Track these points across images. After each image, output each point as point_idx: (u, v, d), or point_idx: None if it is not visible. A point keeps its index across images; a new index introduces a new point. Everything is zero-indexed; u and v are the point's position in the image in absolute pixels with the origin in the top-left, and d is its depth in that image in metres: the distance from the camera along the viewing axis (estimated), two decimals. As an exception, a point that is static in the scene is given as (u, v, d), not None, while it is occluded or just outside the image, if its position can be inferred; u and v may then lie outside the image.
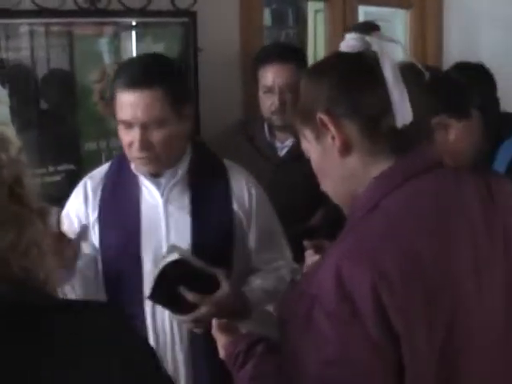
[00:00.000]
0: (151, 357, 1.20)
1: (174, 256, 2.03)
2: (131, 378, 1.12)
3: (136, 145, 2.06)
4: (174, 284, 2.01)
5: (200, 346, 2.12)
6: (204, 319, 1.99)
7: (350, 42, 1.41)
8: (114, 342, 1.14)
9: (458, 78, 2.33)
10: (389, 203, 1.34)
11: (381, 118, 1.35)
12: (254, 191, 2.25)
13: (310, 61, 3.48)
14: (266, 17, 5.38)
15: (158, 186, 2.18)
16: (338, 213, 1.51)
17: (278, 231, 2.34)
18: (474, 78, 2.47)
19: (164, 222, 2.17)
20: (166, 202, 2.18)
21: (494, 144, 2.34)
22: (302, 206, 2.92)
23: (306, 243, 1.79)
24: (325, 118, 1.37)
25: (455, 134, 2.11)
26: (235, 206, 2.20)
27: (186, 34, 3.01)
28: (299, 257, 1.93)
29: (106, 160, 2.85)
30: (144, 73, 2.06)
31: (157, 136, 2.06)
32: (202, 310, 2.01)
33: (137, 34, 2.93)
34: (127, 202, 2.20)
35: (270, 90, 2.92)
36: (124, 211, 2.20)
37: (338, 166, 1.40)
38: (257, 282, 2.23)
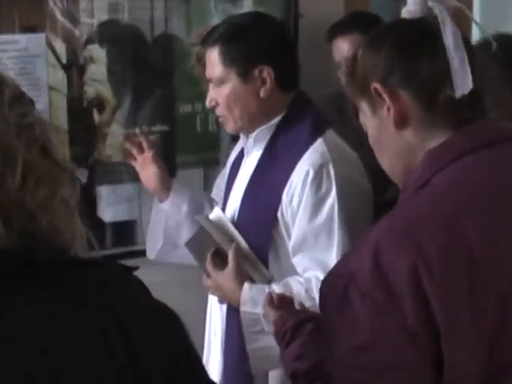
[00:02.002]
0: (152, 314, 1.21)
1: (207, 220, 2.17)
2: (129, 336, 1.14)
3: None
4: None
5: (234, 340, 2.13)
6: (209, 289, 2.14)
7: (411, 7, 1.35)
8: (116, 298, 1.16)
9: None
10: (439, 180, 1.28)
11: (439, 88, 1.30)
12: (310, 183, 2.00)
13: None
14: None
15: (244, 145, 2.22)
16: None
17: (330, 235, 2.01)
18: None
19: (234, 183, 2.22)
20: (244, 164, 2.21)
21: None
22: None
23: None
24: (380, 87, 1.33)
25: None
26: (284, 193, 2.05)
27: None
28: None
29: (201, 123, 2.88)
30: (211, 31, 2.14)
31: (218, 94, 2.11)
32: (206, 282, 2.13)
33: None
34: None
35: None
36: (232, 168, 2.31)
37: (394, 139, 1.36)
38: (274, 288, 2.03)
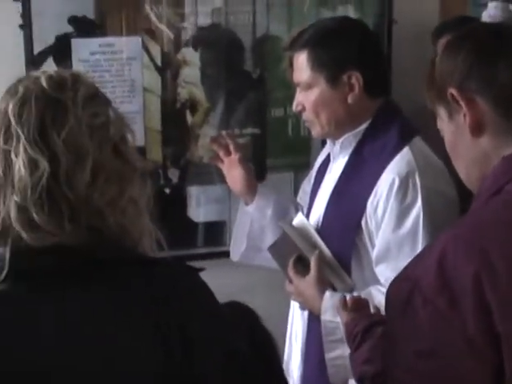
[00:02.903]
0: (214, 318, 1.26)
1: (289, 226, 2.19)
2: (188, 337, 1.19)
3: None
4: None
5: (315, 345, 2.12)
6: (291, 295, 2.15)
7: (491, 12, 1.34)
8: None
9: None
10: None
11: None
12: (395, 192, 1.99)
13: None
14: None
15: (331, 151, 2.22)
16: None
17: (414, 245, 1.97)
18: None
19: (319, 189, 2.22)
20: (330, 170, 2.21)
21: None
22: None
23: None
24: (456, 93, 1.31)
25: None
26: (369, 201, 2.04)
27: (381, 5, 2.93)
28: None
29: (292, 127, 2.90)
30: (299, 35, 2.14)
31: (305, 99, 2.12)
32: (289, 287, 2.14)
33: (333, 2, 2.88)
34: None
35: None
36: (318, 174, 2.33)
37: (470, 146, 1.34)
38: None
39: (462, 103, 1.31)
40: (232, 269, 2.64)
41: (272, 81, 2.88)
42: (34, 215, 1.16)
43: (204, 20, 2.74)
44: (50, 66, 2.52)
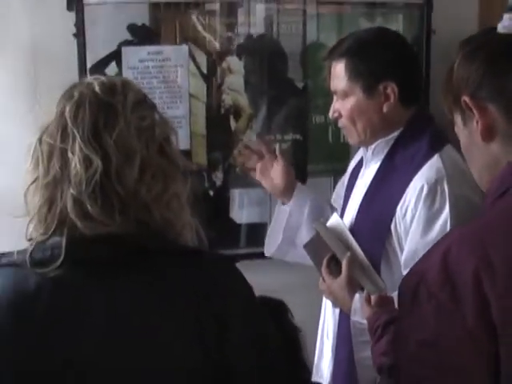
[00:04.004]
0: (249, 308, 1.35)
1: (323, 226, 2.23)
2: (223, 326, 1.27)
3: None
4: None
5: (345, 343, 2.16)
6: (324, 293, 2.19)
7: (505, 23, 1.39)
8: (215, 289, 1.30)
9: None
10: None
11: None
12: (424, 198, 2.04)
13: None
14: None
15: (364, 156, 2.29)
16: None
17: None
18: None
19: (352, 193, 2.28)
20: (363, 175, 2.27)
21: None
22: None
23: None
24: (469, 101, 1.36)
25: None
26: (399, 206, 2.09)
27: (420, 15, 2.99)
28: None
29: (332, 134, 2.97)
30: (337, 44, 2.21)
31: (342, 107, 2.19)
32: (322, 286, 2.19)
33: (368, 14, 2.95)
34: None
35: None
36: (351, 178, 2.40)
37: (482, 151, 1.39)
38: None
39: (475, 110, 1.37)
40: (272, 269, 2.72)
41: (314, 88, 2.95)
42: (88, 207, 1.26)
43: (255, 30, 2.84)
44: (112, 71, 2.68)
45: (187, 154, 2.77)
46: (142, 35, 2.72)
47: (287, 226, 2.48)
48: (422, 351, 1.27)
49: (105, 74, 2.60)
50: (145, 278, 1.29)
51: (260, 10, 2.85)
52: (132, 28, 2.71)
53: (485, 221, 1.33)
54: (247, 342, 1.31)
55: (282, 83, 2.94)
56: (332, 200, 2.53)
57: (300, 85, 2.95)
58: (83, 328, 1.27)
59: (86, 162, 1.28)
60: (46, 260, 1.28)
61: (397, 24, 2.98)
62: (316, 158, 3.01)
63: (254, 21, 2.84)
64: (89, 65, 2.67)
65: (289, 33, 2.89)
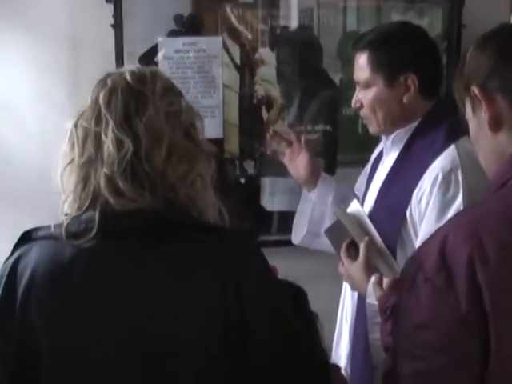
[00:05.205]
0: (263, 278, 1.42)
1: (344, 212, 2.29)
2: (242, 293, 1.36)
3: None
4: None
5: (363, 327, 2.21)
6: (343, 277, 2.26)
7: None
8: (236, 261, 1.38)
9: None
10: None
11: None
12: (438, 186, 2.08)
13: None
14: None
15: (384, 146, 2.36)
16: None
17: None
18: None
19: (372, 180, 2.34)
20: (382, 163, 2.34)
21: None
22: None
23: None
24: (478, 91, 1.39)
25: None
26: (415, 193, 2.14)
27: (451, 10, 3.03)
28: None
29: (362, 125, 3.02)
30: (361, 37, 2.28)
31: (364, 97, 2.25)
32: (341, 269, 2.25)
33: (401, 8, 3.01)
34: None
35: None
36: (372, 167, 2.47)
37: (489, 141, 1.42)
38: None
39: (483, 101, 1.39)
40: (301, 255, 2.80)
41: (346, 80, 2.99)
42: (120, 184, 1.36)
43: (290, 22, 2.92)
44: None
45: (220, 142, 2.87)
46: (187, 25, 2.82)
47: (311, 219, 2.55)
48: (416, 333, 1.31)
49: (156, 63, 2.74)
50: (170, 248, 1.38)
51: (299, 2, 2.93)
52: (177, 18, 2.81)
53: (482, 209, 1.37)
54: (262, 298, 1.40)
55: (314, 75, 3.01)
56: (355, 188, 2.59)
57: (337, 76, 3.02)
58: (114, 293, 1.37)
59: (118, 144, 1.37)
60: (80, 232, 1.38)
61: (430, 18, 3.04)
62: (345, 148, 3.08)
63: (289, 14, 2.92)
64: (125, 55, 2.77)
65: (328, 25, 2.96)
